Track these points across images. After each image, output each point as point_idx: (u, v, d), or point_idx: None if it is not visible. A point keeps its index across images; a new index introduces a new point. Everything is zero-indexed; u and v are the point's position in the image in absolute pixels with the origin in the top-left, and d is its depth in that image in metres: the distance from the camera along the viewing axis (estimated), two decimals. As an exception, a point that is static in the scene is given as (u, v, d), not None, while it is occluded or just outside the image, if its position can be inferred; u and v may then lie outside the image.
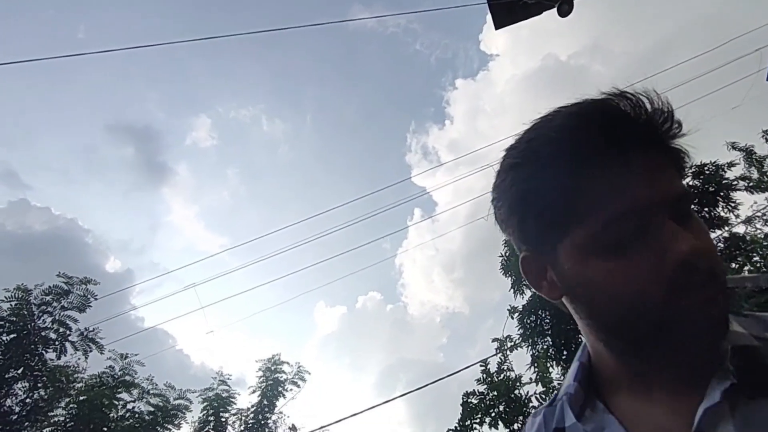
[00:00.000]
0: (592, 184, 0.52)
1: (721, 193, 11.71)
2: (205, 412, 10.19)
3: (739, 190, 11.89)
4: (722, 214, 11.66)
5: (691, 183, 11.90)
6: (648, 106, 0.54)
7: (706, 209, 11.68)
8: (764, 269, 10.38)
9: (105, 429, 8.81)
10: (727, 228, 11.44)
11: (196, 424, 10.11)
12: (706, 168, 11.82)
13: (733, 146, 11.99)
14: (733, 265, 10.14)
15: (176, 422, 9.80)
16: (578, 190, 0.53)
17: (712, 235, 11.38)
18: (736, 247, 10.98)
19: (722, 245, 11.26)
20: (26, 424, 8.39)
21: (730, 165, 11.86)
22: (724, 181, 11.71)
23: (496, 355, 9.67)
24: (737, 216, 11.70)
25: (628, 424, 0.55)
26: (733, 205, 11.68)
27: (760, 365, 0.50)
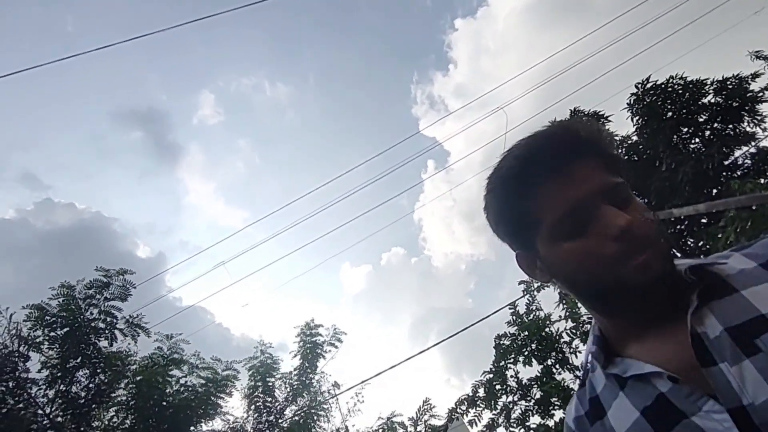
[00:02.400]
0: (544, 195, 0.73)
1: (746, 107, 11.20)
2: (252, 379, 10.78)
3: (765, 101, 11.33)
4: (748, 129, 11.21)
5: (713, 100, 11.41)
6: (576, 131, 0.75)
7: (730, 126, 11.24)
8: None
9: (164, 403, 9.46)
10: (753, 143, 11.03)
11: (246, 390, 10.73)
12: (728, 82, 11.26)
13: (757, 56, 11.31)
14: (762, 180, 9.83)
15: (227, 391, 10.42)
16: (534, 202, 0.74)
17: (738, 152, 11.01)
18: (763, 161, 10.61)
19: (749, 161, 10.89)
20: (93, 406, 9.09)
21: (755, 76, 11.23)
22: (748, 94, 11.16)
23: (523, 296, 9.80)
24: (764, 129, 11.23)
25: (644, 359, 0.70)
26: (759, 118, 11.19)
27: (717, 277, 0.69)
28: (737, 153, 10.98)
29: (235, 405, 10.79)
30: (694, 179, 10.04)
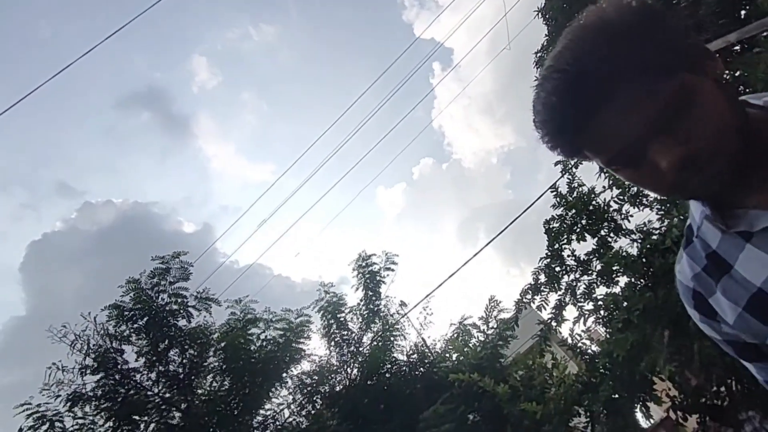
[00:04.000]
0: (588, 138, 0.67)
1: None
2: (324, 319, 11.40)
3: None
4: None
5: None
6: (615, 43, 0.63)
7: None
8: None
9: (252, 360, 10.22)
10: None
11: (322, 330, 11.40)
12: None
13: None
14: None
15: (305, 336, 11.12)
16: (578, 144, 0.69)
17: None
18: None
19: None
20: (192, 378, 9.95)
21: None
22: None
23: (562, 176, 9.66)
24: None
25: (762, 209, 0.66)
26: None
27: None
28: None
29: (316, 346, 11.56)
30: (717, 7, 9.27)
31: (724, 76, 0.68)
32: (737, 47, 9.37)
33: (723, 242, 0.72)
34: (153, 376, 9.66)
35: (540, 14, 11.88)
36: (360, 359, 11.13)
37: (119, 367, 9.31)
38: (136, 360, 9.59)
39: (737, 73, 9.19)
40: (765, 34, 6.41)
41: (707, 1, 9.14)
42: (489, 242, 11.14)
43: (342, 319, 11.51)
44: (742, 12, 9.26)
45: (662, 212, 8.16)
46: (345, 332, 11.45)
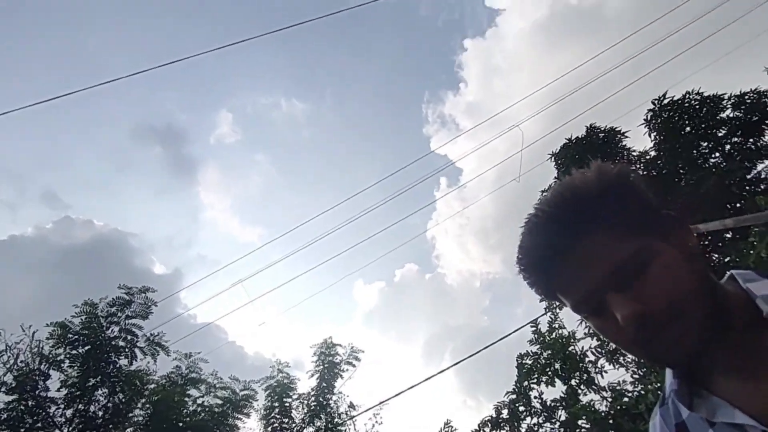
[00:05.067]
0: (556, 282, 0.71)
1: (766, 121, 11.11)
2: (269, 399, 10.66)
3: (785, 115, 11.24)
4: (769, 143, 11.09)
5: (731, 115, 11.35)
6: (579, 201, 0.69)
7: (750, 140, 11.13)
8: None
9: (181, 424, 9.37)
10: (776, 157, 10.88)
11: (263, 411, 10.60)
12: (746, 97, 11.21)
13: (774, 70, 11.27)
14: (786, 194, 9.66)
15: (245, 412, 10.31)
16: (551, 286, 0.72)
17: (761, 166, 10.86)
18: (787, 176, 10.45)
19: (772, 176, 10.73)
20: (110, 426, 9.04)
21: (773, 90, 11.20)
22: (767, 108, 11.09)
23: (545, 314, 9.63)
24: (786, 143, 11.09)
25: (732, 401, 0.64)
26: (780, 132, 11.07)
27: None
28: (759, 167, 10.84)
29: (252, 426, 10.67)
30: (716, 194, 9.91)
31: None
32: (729, 234, 9.85)
33: (692, 418, 0.70)
34: (69, 413, 8.78)
35: (553, 158, 12.68)
36: (294, 455, 10.23)
37: (37, 392, 8.50)
38: (59, 389, 8.78)
39: (727, 259, 9.57)
40: (757, 228, 6.78)
41: (708, 186, 9.78)
42: (454, 364, 10.75)
43: (287, 404, 10.78)
44: (737, 204, 9.90)
45: (638, 376, 8.00)
46: (286, 420, 10.65)
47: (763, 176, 10.80)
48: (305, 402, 10.99)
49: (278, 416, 10.59)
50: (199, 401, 10.19)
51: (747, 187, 10.57)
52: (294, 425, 10.74)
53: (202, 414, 9.90)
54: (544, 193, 0.77)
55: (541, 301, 10.09)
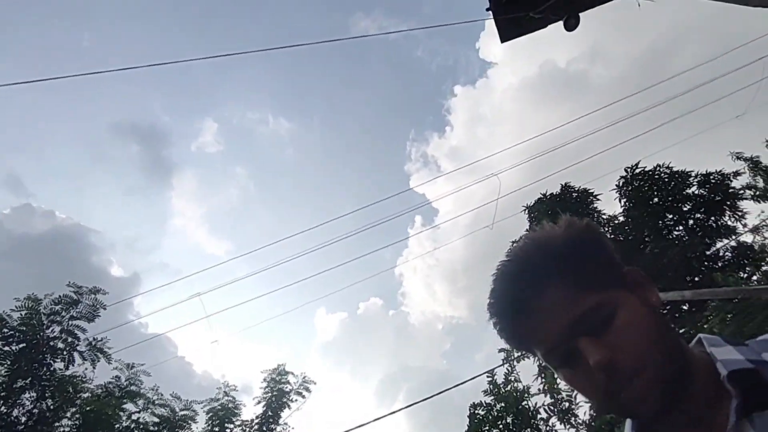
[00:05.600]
0: (524, 333, 0.72)
1: (728, 202, 11.67)
2: (209, 423, 10.13)
3: (745, 199, 11.85)
4: (729, 222, 11.62)
5: (697, 192, 11.90)
6: (544, 255, 0.71)
7: (712, 218, 11.64)
8: (774, 279, 10.30)
9: (110, 440, 8.78)
10: (734, 237, 11.39)
11: (202, 435, 10.07)
12: (711, 177, 11.81)
13: (738, 156, 12.00)
14: (742, 274, 10.07)
15: (182, 433, 9.75)
16: (520, 337, 0.73)
17: (720, 244, 11.34)
18: (743, 256, 10.91)
19: (730, 254, 11.19)
20: (32, 434, 8.38)
21: (736, 174, 11.86)
22: (730, 190, 11.68)
23: (502, 365, 9.58)
24: (744, 225, 11.65)
25: None
26: (740, 214, 11.64)
27: (761, 383, 0.62)
28: (718, 245, 11.31)
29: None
30: (677, 266, 10.24)
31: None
32: (686, 306, 10.12)
33: None
34: (-11, 415, 8.12)
35: (527, 210, 12.96)
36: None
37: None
38: (-19, 387, 8.14)
39: (682, 330, 9.79)
40: (715, 303, 6.98)
41: (671, 257, 10.09)
42: (406, 406, 10.48)
43: (228, 430, 10.26)
44: (696, 278, 10.23)
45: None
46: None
47: (721, 254, 11.26)
48: (248, 430, 10.50)
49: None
50: (134, 417, 9.60)
51: (706, 263, 10.98)
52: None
53: (136, 431, 9.32)
54: (515, 243, 0.78)
55: (501, 350, 10.06)
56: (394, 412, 9.86)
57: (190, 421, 9.90)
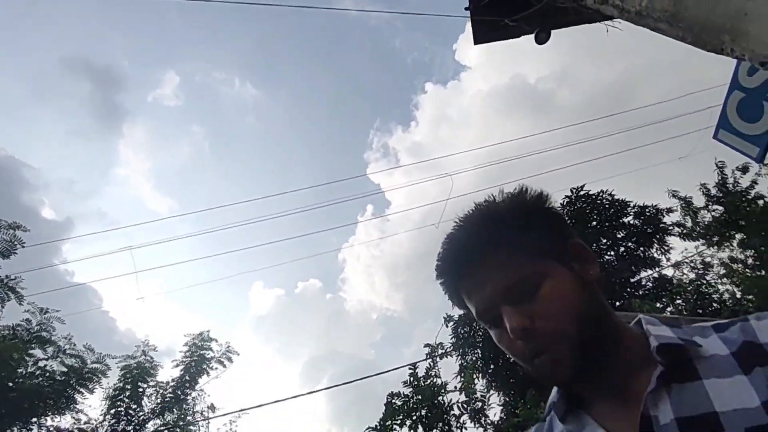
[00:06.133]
0: (463, 295, 0.79)
1: (657, 236, 12.44)
2: (122, 380, 9.81)
3: (673, 235, 12.68)
4: (656, 255, 12.40)
5: (632, 222, 12.60)
6: (486, 225, 0.77)
7: (641, 248, 12.37)
8: (684, 313, 11.10)
9: (10, 384, 8.34)
10: (657, 269, 12.16)
11: (111, 391, 9.73)
12: (647, 210, 12.53)
13: (674, 194, 12.78)
14: (658, 304, 10.77)
15: (90, 386, 9.39)
16: (459, 297, 0.80)
17: (644, 274, 12.09)
18: (662, 288, 11.67)
19: (651, 284, 11.96)
20: None
21: (669, 211, 12.65)
22: (661, 225, 12.46)
23: (426, 360, 9.82)
24: (668, 259, 12.48)
25: (600, 421, 0.71)
26: (666, 248, 12.45)
27: (685, 358, 0.67)
28: (643, 274, 12.05)
29: (93, 404, 9.73)
30: (603, 289, 10.80)
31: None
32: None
33: (563, 430, 0.77)
34: None
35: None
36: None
37: None
38: None
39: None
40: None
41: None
42: (325, 388, 10.67)
43: (141, 390, 9.97)
44: (617, 303, 10.84)
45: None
46: (135, 406, 9.84)
47: (643, 283, 12.00)
48: (161, 391, 10.25)
49: (127, 400, 9.75)
50: (41, 364, 9.14)
51: (629, 289, 11.67)
52: (141, 414, 9.94)
53: (41, 378, 8.89)
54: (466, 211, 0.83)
55: (431, 345, 10.28)
56: (313, 392, 9.94)
57: (100, 375, 9.54)
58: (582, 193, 12.79)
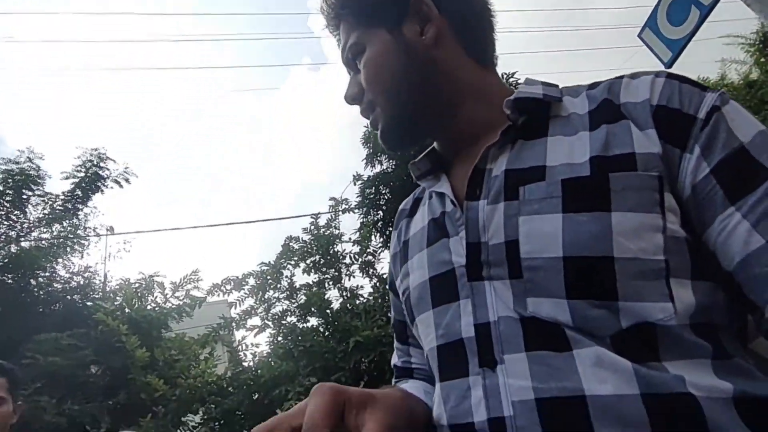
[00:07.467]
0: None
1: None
2: (3, 183, 9.15)
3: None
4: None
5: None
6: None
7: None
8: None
9: None
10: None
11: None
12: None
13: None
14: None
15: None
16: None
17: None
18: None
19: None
20: None
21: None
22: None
23: (329, 213, 10.13)
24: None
25: (451, 179, 0.73)
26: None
27: (542, 116, 0.66)
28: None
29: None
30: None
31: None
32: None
33: (425, 193, 0.82)
34: None
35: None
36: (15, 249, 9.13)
37: None
38: None
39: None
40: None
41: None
42: (227, 224, 10.79)
43: (25, 197, 9.42)
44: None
45: (378, 292, 8.98)
46: (17, 212, 9.36)
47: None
48: (50, 202, 9.79)
49: (8, 204, 9.22)
50: None
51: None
52: (26, 222, 9.54)
53: None
54: None
55: (336, 200, 10.54)
56: (213, 225, 10.04)
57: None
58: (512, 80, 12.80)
